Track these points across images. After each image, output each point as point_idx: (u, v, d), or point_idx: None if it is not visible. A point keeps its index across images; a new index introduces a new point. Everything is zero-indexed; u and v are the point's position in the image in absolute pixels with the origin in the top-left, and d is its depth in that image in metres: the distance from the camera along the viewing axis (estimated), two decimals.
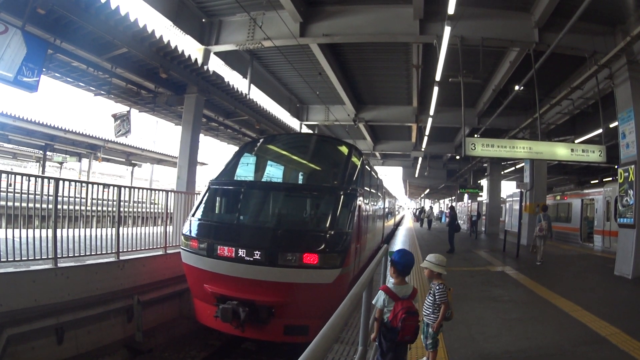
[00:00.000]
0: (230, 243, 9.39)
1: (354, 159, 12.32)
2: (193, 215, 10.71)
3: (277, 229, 9.87)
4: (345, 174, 11.45)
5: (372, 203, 16.32)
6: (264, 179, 12.96)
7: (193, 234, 10.10)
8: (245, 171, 12.57)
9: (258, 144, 13.89)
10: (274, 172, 13.61)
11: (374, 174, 18.98)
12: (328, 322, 2.35)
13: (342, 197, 10.32)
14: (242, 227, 10.28)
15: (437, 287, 5.57)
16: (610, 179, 31.73)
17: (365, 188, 13.66)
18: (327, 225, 9.74)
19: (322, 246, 9.25)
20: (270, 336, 9.50)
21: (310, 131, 34.16)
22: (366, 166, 14.61)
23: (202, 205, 10.93)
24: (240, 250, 9.17)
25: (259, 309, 8.97)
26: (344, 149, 12.95)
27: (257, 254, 9.04)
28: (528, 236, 23.34)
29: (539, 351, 6.77)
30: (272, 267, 8.96)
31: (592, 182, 38.92)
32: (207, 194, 11.15)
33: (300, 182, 13.13)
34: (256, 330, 9.25)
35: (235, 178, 11.98)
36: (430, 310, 5.63)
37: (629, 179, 13.79)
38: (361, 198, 11.85)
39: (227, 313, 8.86)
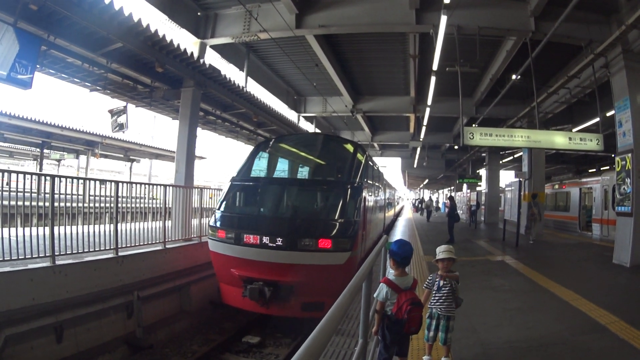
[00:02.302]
0: (255, 232, 10.97)
1: (359, 156, 14.12)
2: (219, 209, 12.18)
3: (295, 218, 11.47)
4: (351, 169, 13.19)
5: (375, 195, 18.38)
6: (280, 175, 15.06)
7: (220, 225, 11.63)
8: (262, 168, 14.47)
9: (272, 143, 15.55)
10: (288, 169, 15.71)
11: (376, 168, 20.97)
12: (327, 314, 2.33)
13: (349, 190, 12.05)
14: (264, 218, 11.83)
15: (456, 283, 5.73)
16: (608, 167, 31.70)
17: (369, 181, 15.67)
18: (338, 214, 11.38)
19: (334, 232, 10.88)
20: (290, 312, 11.06)
21: (308, 123, 34.86)
22: (369, 161, 16.39)
23: (227, 200, 12.49)
24: (264, 237, 10.80)
25: (281, 288, 10.65)
26: (349, 147, 14.88)
27: (278, 240, 10.71)
28: (532, 226, 23.39)
29: (540, 341, 6.76)
30: (292, 251, 10.64)
31: (590, 170, 38.89)
32: (230, 189, 12.78)
33: (311, 177, 14.72)
34: (278, 307, 10.89)
35: (253, 174, 13.72)
36: (450, 300, 5.64)
37: (626, 167, 13.77)
38: (366, 190, 13.61)
39: (254, 292, 10.50)
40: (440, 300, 5.66)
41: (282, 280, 10.61)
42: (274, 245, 10.73)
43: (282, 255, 10.72)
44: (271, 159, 15.02)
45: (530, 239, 21.30)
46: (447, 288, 5.64)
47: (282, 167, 15.59)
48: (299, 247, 10.64)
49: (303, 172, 15.72)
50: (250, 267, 10.94)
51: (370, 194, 15.64)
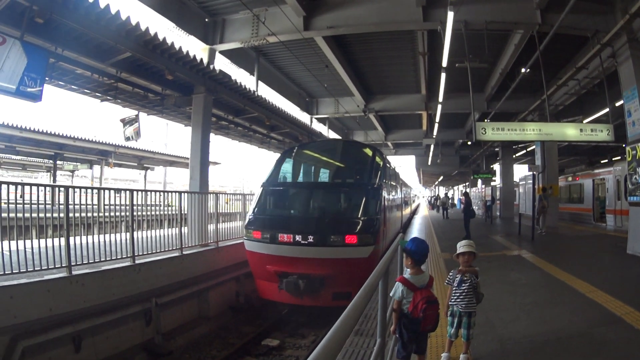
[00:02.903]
0: (288, 231, 12.25)
1: (377, 159, 15.52)
2: (252, 212, 13.58)
3: (324, 217, 12.84)
4: (371, 172, 14.61)
5: (393, 194, 19.82)
6: (307, 179, 16.49)
7: (255, 227, 12.88)
8: (290, 173, 15.88)
9: (296, 150, 16.73)
10: (313, 173, 16.95)
11: (393, 169, 22.71)
12: (343, 314, 2.33)
13: (370, 190, 13.59)
14: (296, 218, 13.20)
15: (475, 277, 5.77)
16: (619, 157, 31.50)
17: (387, 182, 16.95)
18: (361, 212, 12.73)
19: (359, 229, 12.15)
20: (322, 302, 12.15)
21: (321, 124, 35.09)
22: (387, 164, 17.82)
23: (259, 203, 13.95)
24: (296, 236, 12.06)
25: (314, 281, 11.79)
26: (368, 151, 16.24)
27: (310, 238, 11.95)
28: (542, 218, 23.31)
29: (557, 334, 6.73)
30: (322, 247, 11.91)
31: (602, 161, 38.68)
32: (262, 194, 14.16)
33: (336, 180, 15.85)
34: (311, 298, 12.00)
35: (282, 180, 15.20)
36: (471, 297, 5.66)
37: (637, 157, 13.68)
38: (385, 190, 15.03)
39: (290, 285, 11.74)
40: (461, 297, 5.65)
41: (314, 273, 11.85)
42: (306, 242, 11.98)
43: (313, 250, 11.95)
44: (297, 165, 16.37)
45: (542, 231, 21.75)
46: (467, 284, 5.64)
47: (308, 172, 16.88)
48: (328, 243, 11.92)
49: (327, 176, 16.55)
50: (285, 263, 12.20)
51: (388, 193, 16.81)
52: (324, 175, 16.72)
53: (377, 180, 14.31)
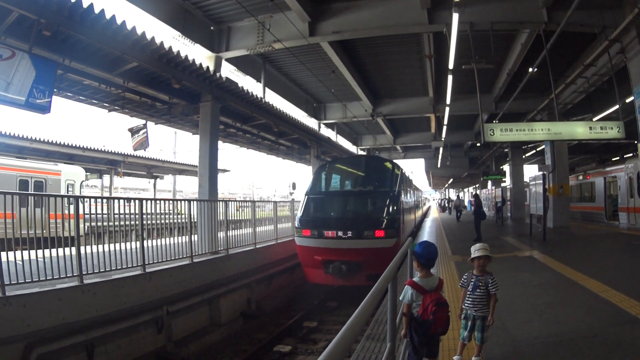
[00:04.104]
0: (331, 228, 15.97)
1: (396, 171, 19.09)
2: (301, 215, 17.12)
3: (358, 217, 16.63)
4: (391, 181, 18.12)
5: (408, 198, 23.29)
6: (340, 188, 20.10)
7: (304, 226, 16.57)
8: (327, 182, 19.64)
9: (329, 165, 20.72)
10: (347, 182, 20.49)
11: (407, 177, 25.31)
12: (352, 316, 2.34)
13: (392, 196, 17.04)
14: (336, 218, 16.90)
15: (491, 278, 5.69)
16: (631, 155, 31.33)
17: (404, 189, 20.29)
18: (385, 213, 16.23)
19: (385, 225, 15.72)
20: (358, 282, 15.29)
21: (329, 129, 35.91)
22: (403, 174, 21.03)
23: (306, 208, 17.45)
24: (338, 232, 15.78)
25: (352, 266, 15.38)
26: (388, 164, 19.98)
27: (349, 233, 15.66)
28: (554, 218, 23.20)
29: (571, 334, 6.68)
30: (358, 239, 15.55)
31: (613, 159, 38.47)
32: (307, 201, 17.70)
33: (364, 188, 18.92)
34: (351, 279, 15.53)
35: (322, 189, 19.08)
36: (485, 302, 5.63)
37: None
38: (402, 196, 18.46)
39: (335, 269, 15.38)
40: (475, 302, 5.64)
41: (352, 259, 15.40)
42: (346, 236, 15.62)
43: (352, 242, 15.56)
44: (331, 177, 20.04)
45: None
46: (482, 290, 5.63)
47: (343, 181, 20.62)
48: (362, 237, 15.54)
49: (357, 185, 19.75)
50: (330, 253, 15.79)
51: (404, 197, 20.01)
52: (355, 185, 19.97)
53: (396, 187, 17.74)
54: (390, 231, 15.73)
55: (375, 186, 18.49)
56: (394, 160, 24.94)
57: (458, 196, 67.27)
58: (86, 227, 13.05)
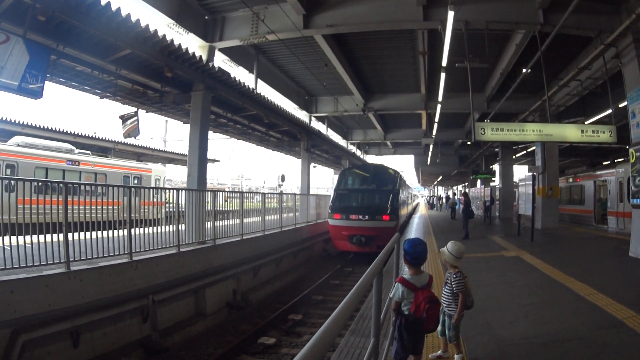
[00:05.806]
0: (354, 213, 24.11)
1: (397, 175, 28.30)
2: (331, 204, 25.43)
3: (372, 206, 24.54)
4: (394, 182, 26.90)
5: (404, 194, 32.00)
6: (360, 186, 27.71)
7: (335, 211, 24.61)
8: (347, 182, 28.21)
9: (348, 171, 30.24)
10: (363, 182, 27.98)
11: (403, 179, 35.02)
12: (336, 310, 2.38)
13: (394, 192, 25.26)
14: (357, 207, 24.87)
15: (454, 276, 5.60)
16: (622, 159, 31.41)
17: (401, 187, 28.36)
18: (389, 203, 24.28)
19: (389, 212, 23.79)
20: (371, 249, 22.49)
21: (320, 123, 36.23)
22: (402, 177, 31.48)
23: (336, 199, 25.79)
24: (359, 215, 23.84)
25: (368, 238, 23.20)
26: (391, 170, 29.18)
27: (366, 216, 23.69)
28: (543, 219, 23.28)
29: (556, 336, 6.70)
30: (372, 221, 23.52)
31: (604, 163, 38.57)
32: (335, 195, 26.27)
33: (374, 187, 26.66)
34: (367, 247, 23.08)
35: (346, 186, 27.63)
36: (451, 300, 5.64)
37: None
38: (400, 192, 26.89)
39: (358, 240, 23.36)
40: (443, 299, 5.72)
41: (368, 234, 23.32)
42: (364, 219, 23.76)
43: (368, 223, 23.63)
44: (350, 179, 28.56)
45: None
46: (448, 287, 5.71)
47: (358, 182, 28.29)
48: (375, 219, 23.60)
49: (371, 185, 27.23)
50: (353, 230, 23.74)
51: (402, 194, 28.61)
52: (369, 184, 27.37)
53: (397, 186, 26.32)
54: (393, 216, 23.83)
55: (382, 185, 26.38)
56: (392, 160, 30.95)
57: (454, 194, 67.14)
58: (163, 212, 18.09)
